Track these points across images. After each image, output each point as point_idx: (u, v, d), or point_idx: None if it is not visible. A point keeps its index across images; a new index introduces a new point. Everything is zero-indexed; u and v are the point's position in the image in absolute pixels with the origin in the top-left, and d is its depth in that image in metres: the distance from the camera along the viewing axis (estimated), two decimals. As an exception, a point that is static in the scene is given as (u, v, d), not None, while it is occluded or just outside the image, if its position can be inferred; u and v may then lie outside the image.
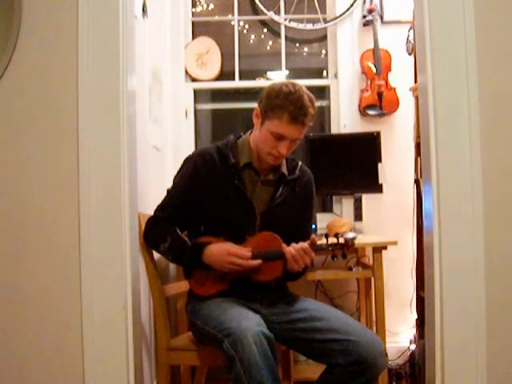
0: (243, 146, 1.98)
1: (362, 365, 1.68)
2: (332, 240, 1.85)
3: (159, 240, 1.92)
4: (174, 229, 1.93)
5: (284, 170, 1.98)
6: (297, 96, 1.82)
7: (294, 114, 1.80)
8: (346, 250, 1.84)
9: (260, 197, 1.94)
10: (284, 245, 1.83)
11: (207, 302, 1.88)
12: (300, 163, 2.05)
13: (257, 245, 1.86)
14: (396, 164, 3.08)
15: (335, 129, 3.26)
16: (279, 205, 1.94)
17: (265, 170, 1.97)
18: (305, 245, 1.80)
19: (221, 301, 1.85)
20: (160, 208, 1.99)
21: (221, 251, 1.83)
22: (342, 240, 1.85)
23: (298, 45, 3.43)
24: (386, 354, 1.75)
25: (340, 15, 3.21)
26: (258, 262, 1.82)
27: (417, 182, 2.64)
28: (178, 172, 2.00)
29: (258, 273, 1.85)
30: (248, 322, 1.65)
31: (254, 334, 1.59)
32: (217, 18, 3.42)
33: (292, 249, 1.80)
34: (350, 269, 2.66)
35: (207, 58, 3.27)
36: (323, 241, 1.87)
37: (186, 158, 2.01)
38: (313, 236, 1.84)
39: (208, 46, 3.28)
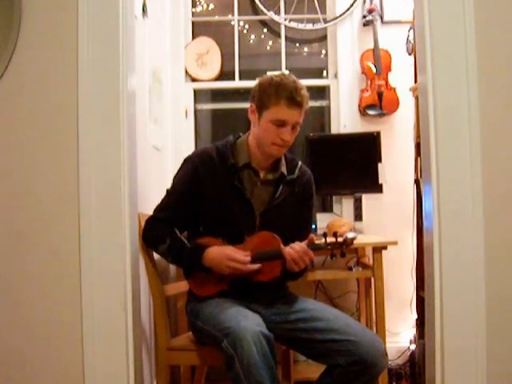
0: (242, 146, 1.97)
1: (362, 365, 1.68)
2: (330, 239, 1.84)
3: (158, 241, 1.92)
4: (173, 230, 1.92)
5: (283, 169, 1.97)
6: (289, 81, 1.85)
7: (290, 97, 1.82)
8: (344, 248, 1.83)
9: (259, 197, 1.94)
10: (283, 246, 1.83)
11: (207, 302, 1.88)
12: (300, 163, 2.04)
13: (256, 245, 1.86)
14: (396, 164, 3.08)
15: (335, 129, 3.25)
16: (279, 205, 1.94)
17: (264, 169, 1.97)
18: (304, 245, 1.80)
19: (221, 301, 1.85)
20: (159, 208, 1.98)
21: (220, 255, 1.83)
22: (340, 239, 1.84)
23: (298, 45, 3.44)
24: (386, 354, 1.75)
25: (340, 15, 3.21)
26: (257, 265, 1.82)
27: (417, 182, 2.63)
28: (177, 172, 2.00)
29: (257, 273, 1.85)
30: (247, 322, 1.65)
31: (253, 334, 1.59)
32: (217, 18, 3.42)
33: (291, 249, 1.80)
34: (350, 269, 2.66)
35: (207, 58, 3.27)
36: (321, 240, 1.86)
37: (185, 159, 2.00)
38: (311, 235, 1.84)
39: (208, 46, 3.28)
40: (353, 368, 1.69)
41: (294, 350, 2.08)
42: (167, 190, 2.05)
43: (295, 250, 1.79)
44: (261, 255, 1.84)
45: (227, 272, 1.83)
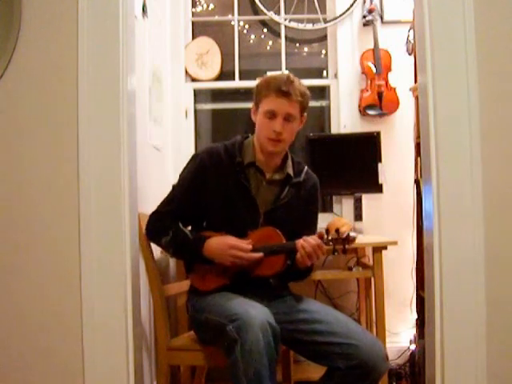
0: (248, 146, 1.99)
1: (362, 369, 1.68)
2: (333, 235, 1.84)
3: (161, 233, 1.93)
4: (177, 223, 1.94)
5: (289, 171, 1.98)
6: (281, 76, 1.90)
7: (278, 87, 1.85)
8: (346, 244, 1.83)
9: (265, 196, 1.95)
10: (297, 240, 1.82)
11: (210, 295, 1.88)
12: (306, 167, 2.05)
13: (258, 239, 1.87)
14: (396, 164, 3.08)
15: (335, 129, 3.26)
16: (283, 205, 1.95)
17: (270, 169, 1.98)
18: (317, 238, 1.80)
19: (225, 293, 1.86)
20: (164, 202, 2.01)
21: (221, 244, 1.84)
22: (342, 235, 1.84)
23: (298, 45, 3.44)
24: (387, 358, 1.74)
25: (340, 15, 3.21)
26: (259, 254, 1.83)
27: (417, 182, 2.63)
28: (185, 168, 2.02)
29: (258, 267, 1.86)
30: (256, 311, 1.65)
31: (261, 323, 1.59)
32: (217, 18, 3.42)
33: (304, 242, 1.79)
34: (350, 269, 2.66)
35: (207, 58, 3.27)
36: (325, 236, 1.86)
37: (193, 155, 2.04)
38: (320, 231, 1.84)
39: (208, 46, 3.29)
40: (353, 372, 1.69)
41: (293, 350, 2.08)
42: (173, 186, 2.07)
43: (310, 243, 1.79)
44: (268, 248, 1.84)
45: (229, 261, 1.83)
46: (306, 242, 1.79)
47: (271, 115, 1.86)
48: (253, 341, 1.56)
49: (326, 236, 1.83)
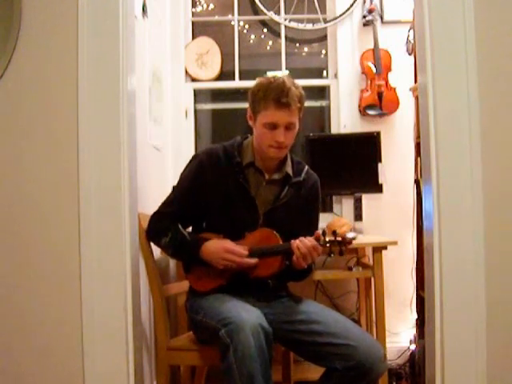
0: (247, 146, 2.00)
1: (359, 370, 1.68)
2: (329, 237, 1.84)
3: (161, 234, 1.94)
4: (176, 224, 1.94)
5: (289, 170, 1.98)
6: (277, 83, 1.85)
7: (277, 99, 1.82)
8: (342, 246, 1.83)
9: (264, 196, 1.95)
10: (293, 241, 1.82)
11: (206, 296, 1.89)
12: (307, 167, 2.05)
13: (255, 241, 1.87)
14: (396, 164, 3.08)
15: (335, 129, 3.26)
16: (283, 205, 1.95)
17: (269, 169, 1.98)
18: (313, 240, 1.80)
19: (220, 295, 1.87)
20: (164, 204, 2.02)
21: (217, 248, 1.85)
22: (339, 238, 1.84)
23: (298, 45, 3.44)
24: (385, 359, 1.74)
25: (340, 15, 3.21)
26: (254, 260, 1.83)
27: (417, 182, 2.63)
28: (185, 169, 2.03)
29: (255, 268, 1.86)
30: (248, 314, 1.66)
31: (252, 326, 1.60)
32: (217, 18, 3.42)
33: (300, 243, 1.79)
34: (350, 269, 2.66)
35: (207, 58, 3.27)
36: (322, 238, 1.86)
37: (193, 156, 2.04)
38: (317, 232, 1.83)
39: (208, 46, 3.29)
40: (351, 373, 1.69)
41: (291, 351, 2.08)
42: (173, 187, 2.07)
43: (305, 244, 1.78)
44: (261, 250, 1.84)
45: (222, 264, 1.84)
46: (302, 243, 1.79)
47: (272, 127, 1.85)
48: (244, 345, 1.57)
49: (322, 238, 1.82)
